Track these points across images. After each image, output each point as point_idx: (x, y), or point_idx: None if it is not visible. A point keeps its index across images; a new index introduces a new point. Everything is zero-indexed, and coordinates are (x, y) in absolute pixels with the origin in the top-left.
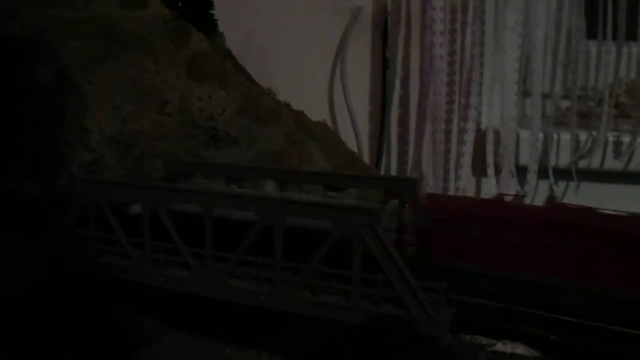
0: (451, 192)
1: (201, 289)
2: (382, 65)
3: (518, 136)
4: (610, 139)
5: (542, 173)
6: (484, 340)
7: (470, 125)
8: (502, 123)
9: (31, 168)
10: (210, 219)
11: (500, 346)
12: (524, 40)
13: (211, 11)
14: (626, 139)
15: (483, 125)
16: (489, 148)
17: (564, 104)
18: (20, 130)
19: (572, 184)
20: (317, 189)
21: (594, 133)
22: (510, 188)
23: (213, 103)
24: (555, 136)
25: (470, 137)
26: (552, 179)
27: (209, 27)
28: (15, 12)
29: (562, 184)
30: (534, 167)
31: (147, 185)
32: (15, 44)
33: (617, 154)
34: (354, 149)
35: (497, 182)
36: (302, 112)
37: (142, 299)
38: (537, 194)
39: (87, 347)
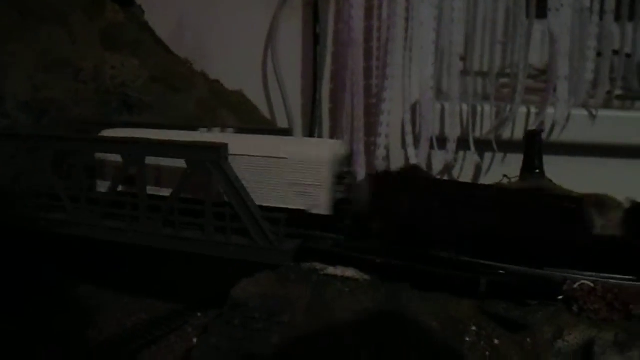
0: (375, 162)
1: (78, 230)
2: (314, 42)
3: (443, 108)
4: (533, 111)
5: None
6: (318, 266)
7: (388, 95)
8: (420, 94)
9: None
10: (82, 164)
11: (331, 270)
12: (441, 12)
13: None
14: (550, 111)
15: (406, 97)
16: (407, 118)
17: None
18: None
19: (500, 155)
20: None
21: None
22: (433, 158)
23: (126, 71)
24: (479, 109)
25: (387, 107)
26: (473, 148)
27: None
28: None
29: (489, 155)
30: (453, 137)
31: (26, 134)
32: None
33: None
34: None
35: (416, 152)
36: (217, 81)
37: (50, 250)
38: (464, 164)
39: None
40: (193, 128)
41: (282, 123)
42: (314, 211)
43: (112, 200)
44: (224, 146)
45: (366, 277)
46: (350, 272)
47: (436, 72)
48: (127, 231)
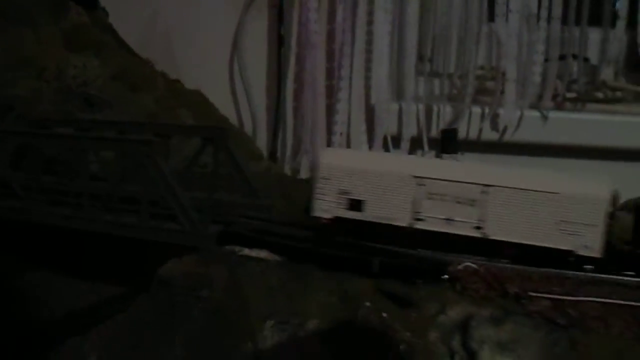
0: None
1: (28, 216)
2: (278, 43)
3: (401, 108)
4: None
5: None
6: (237, 248)
7: (343, 96)
8: (375, 94)
9: None
10: (37, 154)
11: (247, 251)
12: (394, 16)
13: None
14: (501, 111)
15: (361, 97)
16: (360, 118)
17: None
18: None
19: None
20: None
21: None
22: None
23: (87, 71)
24: (435, 108)
25: (342, 107)
26: (426, 147)
27: (90, 2)
28: None
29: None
30: (407, 136)
31: None
32: None
33: (494, 126)
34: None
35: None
36: (178, 81)
37: (8, 237)
38: None
39: None
40: None
41: (246, 122)
42: (583, 252)
43: (59, 190)
44: (157, 141)
45: (278, 258)
46: (263, 254)
47: (399, 73)
48: (72, 217)
